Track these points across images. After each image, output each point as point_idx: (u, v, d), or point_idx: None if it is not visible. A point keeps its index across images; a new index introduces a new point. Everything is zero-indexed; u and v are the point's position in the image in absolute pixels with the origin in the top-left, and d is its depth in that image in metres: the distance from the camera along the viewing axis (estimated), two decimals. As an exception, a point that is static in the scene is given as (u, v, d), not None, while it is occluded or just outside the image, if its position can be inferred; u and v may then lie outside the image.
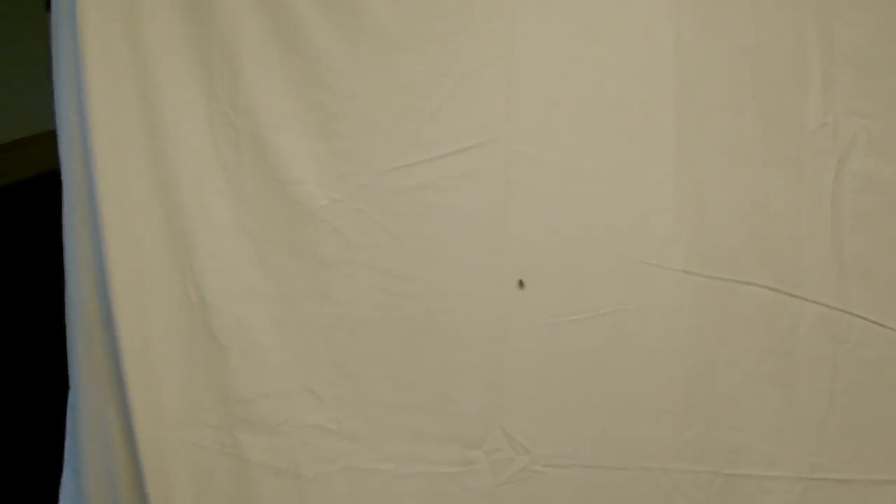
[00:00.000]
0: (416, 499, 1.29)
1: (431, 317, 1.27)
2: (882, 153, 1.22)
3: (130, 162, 1.27)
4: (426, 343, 1.27)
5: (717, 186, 1.23)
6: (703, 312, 1.24)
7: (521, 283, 1.25)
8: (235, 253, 1.30)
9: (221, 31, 1.27)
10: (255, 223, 1.30)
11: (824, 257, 1.22)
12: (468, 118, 1.26)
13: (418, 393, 1.28)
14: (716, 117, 1.23)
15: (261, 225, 1.30)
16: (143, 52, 1.28)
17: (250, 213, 1.29)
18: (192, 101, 1.29)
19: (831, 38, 1.22)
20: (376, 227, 1.28)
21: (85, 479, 1.30)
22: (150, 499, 1.28)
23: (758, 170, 1.23)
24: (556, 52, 1.25)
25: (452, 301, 1.27)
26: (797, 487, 1.23)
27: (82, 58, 1.24)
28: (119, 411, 1.29)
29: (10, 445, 2.10)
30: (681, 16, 1.23)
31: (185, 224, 1.29)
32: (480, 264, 1.27)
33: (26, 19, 1.95)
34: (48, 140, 1.36)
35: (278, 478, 1.30)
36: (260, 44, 1.27)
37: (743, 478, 1.24)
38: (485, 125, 1.26)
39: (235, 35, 1.27)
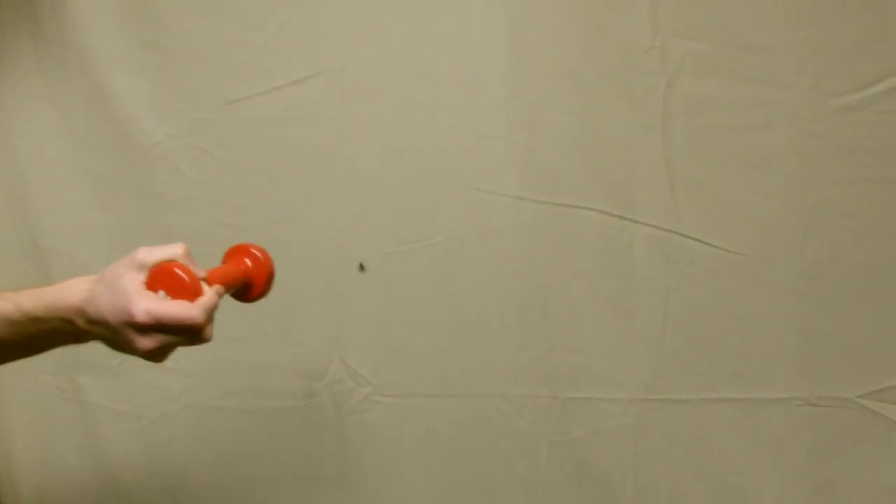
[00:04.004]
0: (260, 434, 1.28)
1: (272, 248, 1.26)
2: (709, 75, 1.22)
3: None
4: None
5: (549, 111, 1.23)
6: (538, 237, 1.24)
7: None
8: (72, 193, 1.28)
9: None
10: (91, 163, 1.27)
11: (655, 179, 1.23)
12: (302, 49, 1.25)
13: (260, 326, 1.26)
14: (546, 41, 1.23)
15: (96, 164, 1.27)
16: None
17: (85, 153, 1.27)
18: (19, 41, 1.26)
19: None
20: (214, 161, 1.27)
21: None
22: (-12, 446, 1.26)
23: (589, 93, 1.23)
24: (387, -18, 1.25)
25: (292, 231, 1.26)
26: (633, 409, 1.25)
27: None
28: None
29: None
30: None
31: (18, 168, 1.27)
32: (319, 194, 1.26)
33: None
34: None
35: (120, 420, 1.28)
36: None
37: (581, 401, 1.25)
38: (319, 56, 1.25)
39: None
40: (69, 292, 0.77)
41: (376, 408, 1.27)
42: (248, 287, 0.92)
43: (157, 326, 0.74)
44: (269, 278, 0.93)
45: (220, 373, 1.27)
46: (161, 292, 0.76)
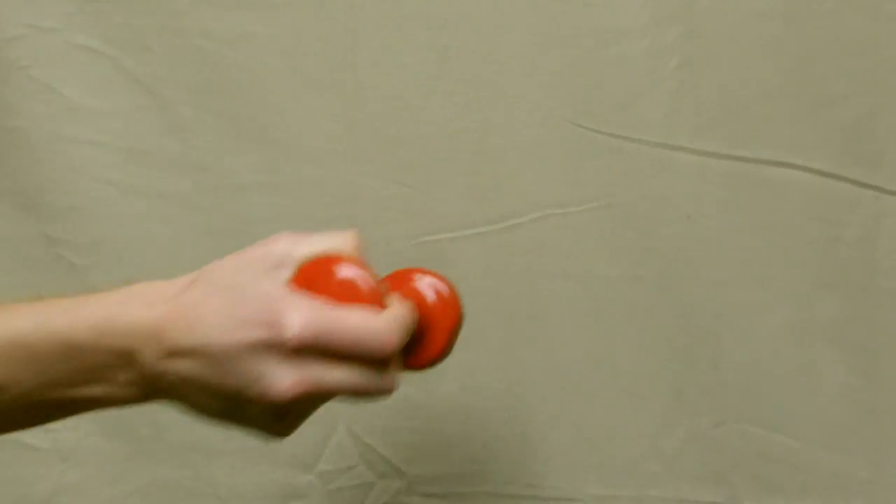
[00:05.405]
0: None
1: (243, 235, 0.74)
2: None
3: None
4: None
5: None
6: (714, 217, 0.72)
7: None
8: None
9: None
10: None
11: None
12: None
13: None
14: None
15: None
16: None
17: None
18: None
19: None
20: (127, 76, 0.74)
21: None
22: None
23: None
24: None
25: (277, 204, 0.74)
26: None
27: None
28: None
29: None
30: None
31: None
32: (322, 145, 0.74)
33: None
34: None
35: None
36: None
37: (787, 513, 0.74)
38: None
39: None
40: (135, 303, 0.44)
41: (411, 516, 0.77)
42: (420, 337, 0.52)
43: (320, 347, 0.41)
44: (456, 327, 0.55)
45: (135, 454, 0.75)
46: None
